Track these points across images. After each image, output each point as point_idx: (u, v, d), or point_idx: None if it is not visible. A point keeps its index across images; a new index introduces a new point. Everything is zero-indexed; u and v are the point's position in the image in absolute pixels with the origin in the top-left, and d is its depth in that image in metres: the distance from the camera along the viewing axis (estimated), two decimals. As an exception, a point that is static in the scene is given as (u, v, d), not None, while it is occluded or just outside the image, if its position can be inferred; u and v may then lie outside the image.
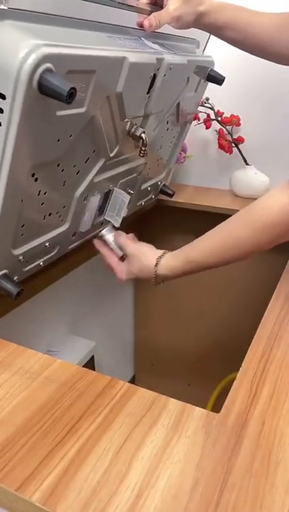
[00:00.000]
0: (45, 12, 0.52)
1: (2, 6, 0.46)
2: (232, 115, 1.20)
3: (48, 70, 0.47)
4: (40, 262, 0.73)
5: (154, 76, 0.72)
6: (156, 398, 0.51)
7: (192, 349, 1.46)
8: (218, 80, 0.93)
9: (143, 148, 0.77)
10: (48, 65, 0.47)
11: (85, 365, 1.10)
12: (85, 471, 0.42)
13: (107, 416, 0.49)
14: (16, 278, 0.68)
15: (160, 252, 0.75)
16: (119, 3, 0.64)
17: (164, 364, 1.55)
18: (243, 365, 0.57)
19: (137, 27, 0.72)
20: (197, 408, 0.50)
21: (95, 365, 1.20)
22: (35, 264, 0.72)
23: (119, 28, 0.67)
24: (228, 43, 0.78)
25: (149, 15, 0.71)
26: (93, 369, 1.15)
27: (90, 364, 1.17)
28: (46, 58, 0.46)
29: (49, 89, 0.47)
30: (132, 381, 1.62)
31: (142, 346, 1.60)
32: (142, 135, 0.75)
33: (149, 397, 0.51)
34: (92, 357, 1.18)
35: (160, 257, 0.73)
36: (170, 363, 1.53)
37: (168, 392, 0.52)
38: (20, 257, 0.66)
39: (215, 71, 0.93)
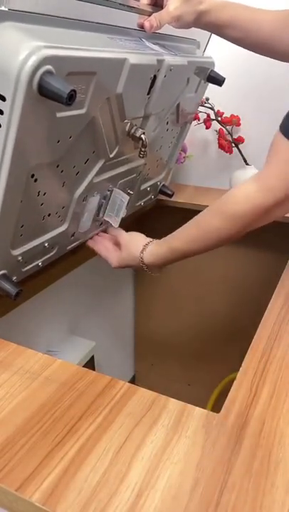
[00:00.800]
0: (46, 13, 0.52)
1: (3, 8, 0.46)
2: (232, 115, 1.20)
3: (48, 72, 0.47)
4: (39, 262, 0.73)
5: (155, 77, 0.72)
6: (156, 398, 0.51)
7: (192, 349, 1.46)
8: (218, 80, 0.93)
9: (143, 149, 0.77)
10: (49, 66, 0.47)
11: (85, 365, 1.10)
12: (85, 471, 0.42)
13: (107, 416, 0.49)
14: (14, 278, 0.68)
15: (148, 240, 0.80)
16: (119, 4, 0.64)
17: (164, 364, 1.55)
18: (243, 365, 0.57)
19: (137, 28, 0.72)
20: (197, 408, 0.50)
21: (95, 365, 1.20)
22: (34, 264, 0.72)
23: (119, 29, 0.67)
24: (230, 41, 0.78)
25: (149, 16, 0.71)
26: (93, 369, 1.15)
27: (90, 364, 1.17)
28: (46, 60, 0.46)
29: (49, 91, 0.47)
30: (132, 381, 1.62)
31: (142, 346, 1.60)
32: (142, 136, 0.75)
33: (149, 397, 0.51)
34: (92, 357, 1.18)
35: (146, 245, 0.79)
36: (170, 363, 1.53)
37: (168, 392, 0.52)
38: (20, 258, 0.66)
39: (215, 72, 0.93)
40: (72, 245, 0.83)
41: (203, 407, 0.49)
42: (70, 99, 0.47)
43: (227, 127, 1.19)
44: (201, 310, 1.41)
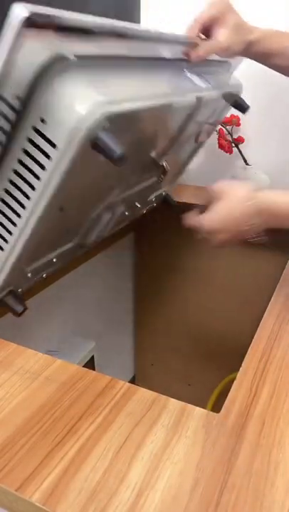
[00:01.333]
0: (100, 54, 0.50)
1: (72, 57, 0.44)
2: (232, 115, 1.20)
3: (104, 129, 0.46)
4: (44, 274, 0.74)
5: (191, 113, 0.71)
6: (156, 398, 0.51)
7: (192, 349, 1.46)
8: (242, 108, 0.89)
9: (162, 176, 0.76)
10: (106, 123, 0.46)
11: (85, 365, 1.09)
12: (85, 471, 0.42)
13: (107, 416, 0.49)
14: (20, 290, 0.68)
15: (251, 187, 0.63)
16: (165, 37, 0.61)
17: (164, 364, 1.55)
18: (243, 365, 0.57)
19: (181, 57, 0.68)
20: (197, 408, 0.50)
21: (95, 365, 1.20)
22: (39, 276, 0.72)
23: (162, 63, 0.65)
24: (275, 70, 0.77)
25: (196, 46, 0.67)
26: (93, 369, 1.15)
27: (90, 364, 1.17)
28: (106, 118, 0.46)
29: (102, 149, 0.46)
30: (132, 381, 1.62)
31: (142, 346, 1.60)
32: (164, 163, 0.74)
33: (149, 397, 0.51)
34: (92, 357, 1.18)
35: (256, 191, 0.62)
36: (170, 363, 1.53)
37: (168, 392, 0.52)
38: (29, 274, 0.67)
39: (242, 99, 0.89)
40: (76, 254, 0.83)
41: (203, 407, 0.49)
42: (120, 161, 0.46)
43: (227, 127, 1.19)
44: (201, 310, 1.41)
